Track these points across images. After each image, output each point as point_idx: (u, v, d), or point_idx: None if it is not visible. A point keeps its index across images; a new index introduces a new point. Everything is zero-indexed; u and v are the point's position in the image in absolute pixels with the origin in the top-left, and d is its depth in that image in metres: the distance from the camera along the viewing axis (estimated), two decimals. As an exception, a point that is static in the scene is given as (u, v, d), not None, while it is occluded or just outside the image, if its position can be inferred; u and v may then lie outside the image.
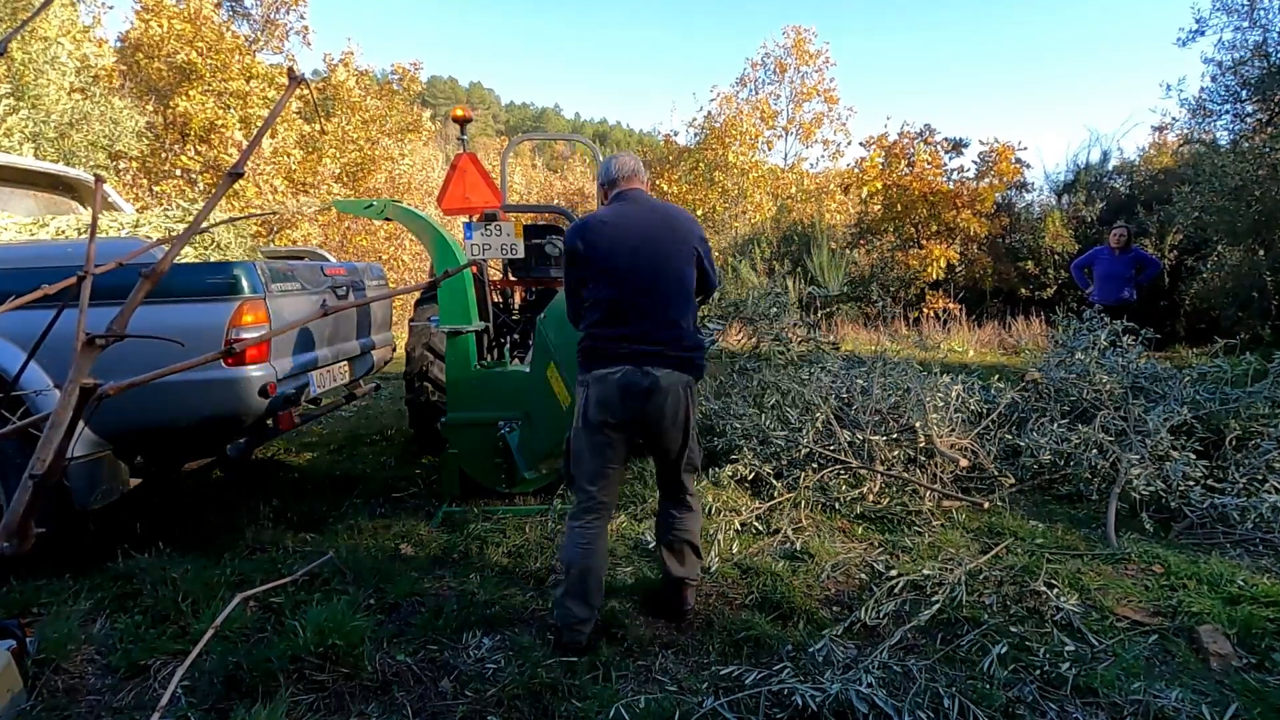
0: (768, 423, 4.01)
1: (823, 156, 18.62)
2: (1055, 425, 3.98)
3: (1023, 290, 11.09)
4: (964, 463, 3.76)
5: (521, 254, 4.08)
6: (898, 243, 12.19)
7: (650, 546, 3.19)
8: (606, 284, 2.35)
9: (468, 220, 4.22)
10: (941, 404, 4.04)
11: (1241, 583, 2.72)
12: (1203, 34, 8.07)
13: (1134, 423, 3.82)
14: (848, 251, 12.48)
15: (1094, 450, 3.70)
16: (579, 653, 2.35)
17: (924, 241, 11.68)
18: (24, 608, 2.63)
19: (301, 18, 14.50)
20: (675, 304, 2.39)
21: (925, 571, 2.83)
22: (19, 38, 8.07)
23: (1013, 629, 2.44)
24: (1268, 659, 2.27)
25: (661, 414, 2.37)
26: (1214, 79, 8.25)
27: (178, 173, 11.72)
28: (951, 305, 11.01)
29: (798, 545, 3.19)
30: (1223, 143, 8.66)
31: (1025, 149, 11.72)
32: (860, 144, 13.52)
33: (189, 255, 3.36)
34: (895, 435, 3.91)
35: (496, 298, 4.94)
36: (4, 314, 0.92)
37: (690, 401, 2.44)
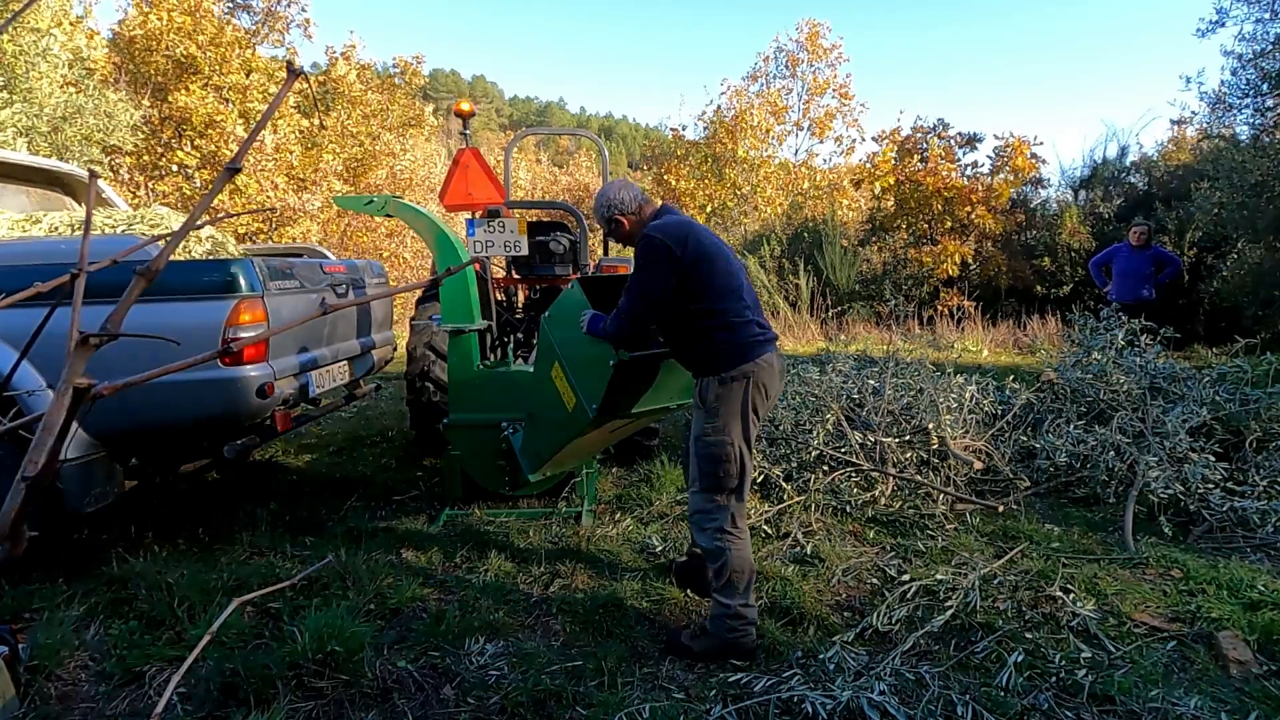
0: (778, 423, 3.96)
1: (835, 152, 18.49)
2: (1071, 427, 3.95)
3: (1038, 288, 11.01)
4: (978, 465, 3.71)
5: (525, 251, 4.02)
6: (911, 240, 12.11)
7: (657, 550, 3.17)
8: (728, 276, 2.41)
9: (470, 217, 4.16)
10: (955, 405, 3.99)
11: (1262, 588, 2.68)
12: (1222, 25, 7.92)
13: (1152, 424, 3.78)
14: (860, 249, 12.40)
15: (1111, 452, 3.67)
16: (753, 655, 2.37)
17: (938, 238, 11.59)
18: (16, 613, 2.60)
19: (303, 10, 14.42)
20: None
21: (938, 576, 2.80)
22: (10, 30, 8.02)
23: (1028, 635, 2.41)
24: (1290, 666, 2.22)
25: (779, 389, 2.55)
26: (1234, 72, 8.11)
27: (174, 168, 11.67)
28: (966, 303, 10.93)
29: (808, 549, 3.14)
30: (1243, 137, 8.55)
31: (1041, 144, 11.64)
32: (873, 139, 13.44)
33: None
34: (908, 437, 3.86)
35: (499, 296, 4.88)
36: (-3, 312, 0.90)
37: None
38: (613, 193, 2.58)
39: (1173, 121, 12.75)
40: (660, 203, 2.63)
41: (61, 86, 8.99)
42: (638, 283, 2.38)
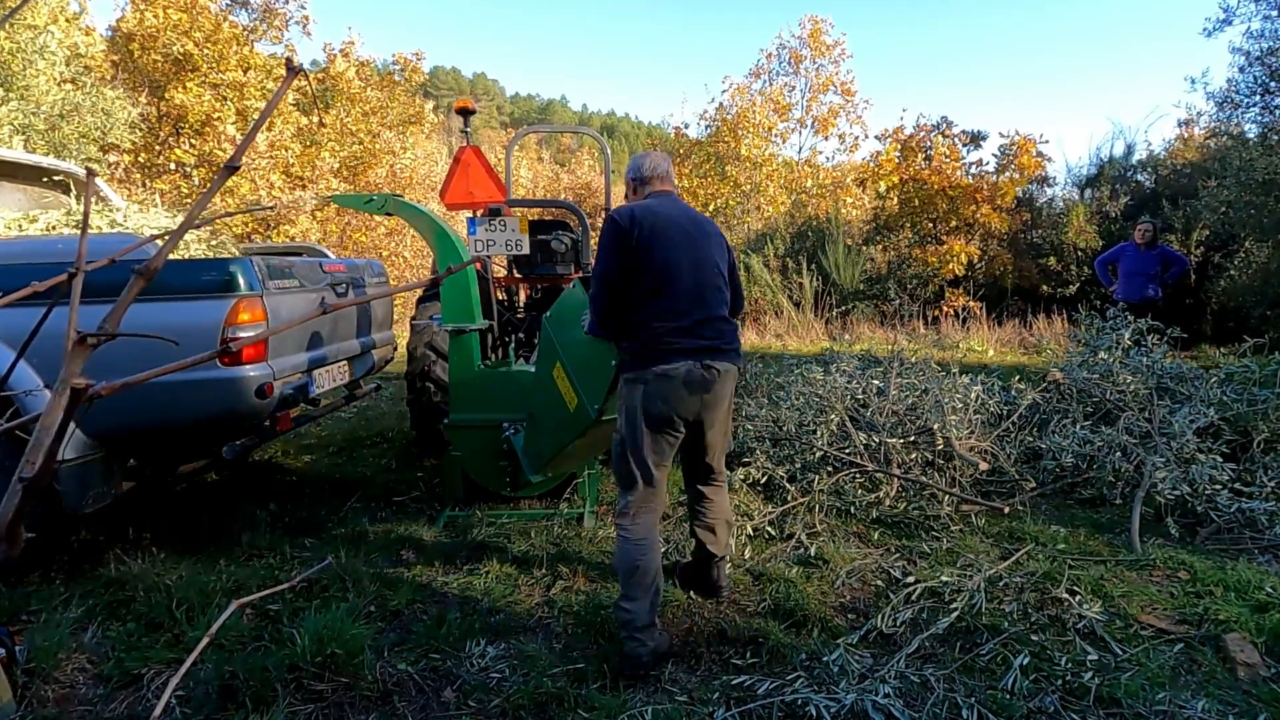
0: (782, 424, 3.93)
1: (839, 150, 18.41)
2: (1078, 427, 3.92)
3: (1044, 287, 10.97)
4: (983, 466, 3.67)
5: (526, 250, 3.99)
6: (915, 239, 12.06)
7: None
8: (662, 276, 2.31)
9: (471, 215, 4.13)
10: (960, 405, 3.96)
11: (1270, 589, 2.66)
12: (1230, 24, 7.90)
13: (1159, 424, 3.74)
14: (864, 248, 12.36)
15: (1117, 453, 3.64)
16: (638, 672, 2.23)
17: (943, 237, 11.55)
18: (13, 615, 2.59)
19: (302, 6, 14.34)
20: (721, 299, 2.45)
21: (943, 578, 2.78)
22: (6, 26, 7.99)
23: (1034, 637, 2.40)
24: (1298, 669, 2.20)
25: (719, 403, 2.44)
26: (1242, 70, 8.06)
27: (172, 166, 11.64)
28: (971, 303, 10.90)
29: (812, 551, 3.12)
30: (1251, 135, 8.48)
31: (1047, 142, 11.62)
32: (876, 137, 13.40)
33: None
34: (912, 438, 3.83)
35: (501, 295, 4.85)
36: (-5, 311, 0.89)
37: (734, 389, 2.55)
38: (639, 159, 2.57)
39: (1180, 121, 12.69)
40: (664, 189, 2.53)
41: (59, 84, 8.96)
42: (596, 265, 2.39)
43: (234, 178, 10.48)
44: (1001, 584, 2.75)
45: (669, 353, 2.30)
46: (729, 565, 2.94)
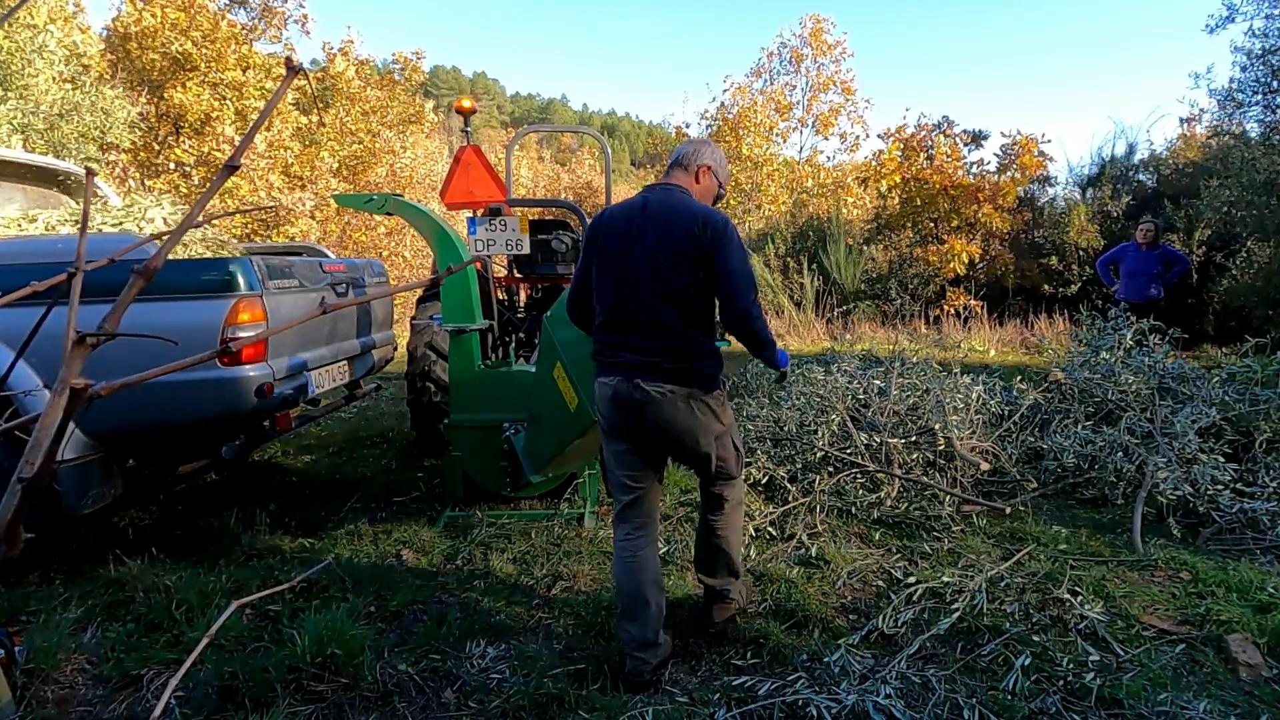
0: (783, 424, 3.92)
1: (840, 149, 18.39)
2: (1079, 427, 3.91)
3: (1046, 287, 10.92)
4: (985, 466, 3.67)
5: (527, 250, 3.98)
6: (916, 238, 12.04)
7: (660, 552, 3.13)
8: (603, 284, 2.24)
9: (471, 215, 4.12)
10: (962, 405, 3.96)
11: (1272, 590, 2.65)
12: (1232, 21, 7.86)
13: (1161, 425, 3.74)
14: (865, 247, 12.34)
15: (1119, 453, 3.63)
16: (640, 685, 2.18)
17: (944, 236, 11.53)
18: (12, 615, 2.58)
19: (301, 5, 14.31)
20: (670, 310, 2.15)
21: (945, 579, 2.77)
22: (5, 26, 7.99)
23: (1035, 638, 2.39)
24: (1300, 670, 2.19)
25: (662, 429, 2.20)
26: (1244, 69, 8.02)
27: (171, 166, 11.64)
28: (972, 303, 10.88)
29: (813, 551, 3.12)
30: (1253, 135, 8.42)
31: (1048, 141, 11.58)
32: (878, 136, 13.38)
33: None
34: (914, 438, 3.82)
35: (501, 295, 4.84)
36: (-7, 311, 0.89)
37: (703, 413, 2.22)
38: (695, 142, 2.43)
39: (1182, 119, 12.66)
40: (666, 180, 2.34)
41: (57, 83, 8.96)
42: None
43: (233, 178, 10.50)
44: (1003, 584, 2.74)
45: (605, 366, 2.23)
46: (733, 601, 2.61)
